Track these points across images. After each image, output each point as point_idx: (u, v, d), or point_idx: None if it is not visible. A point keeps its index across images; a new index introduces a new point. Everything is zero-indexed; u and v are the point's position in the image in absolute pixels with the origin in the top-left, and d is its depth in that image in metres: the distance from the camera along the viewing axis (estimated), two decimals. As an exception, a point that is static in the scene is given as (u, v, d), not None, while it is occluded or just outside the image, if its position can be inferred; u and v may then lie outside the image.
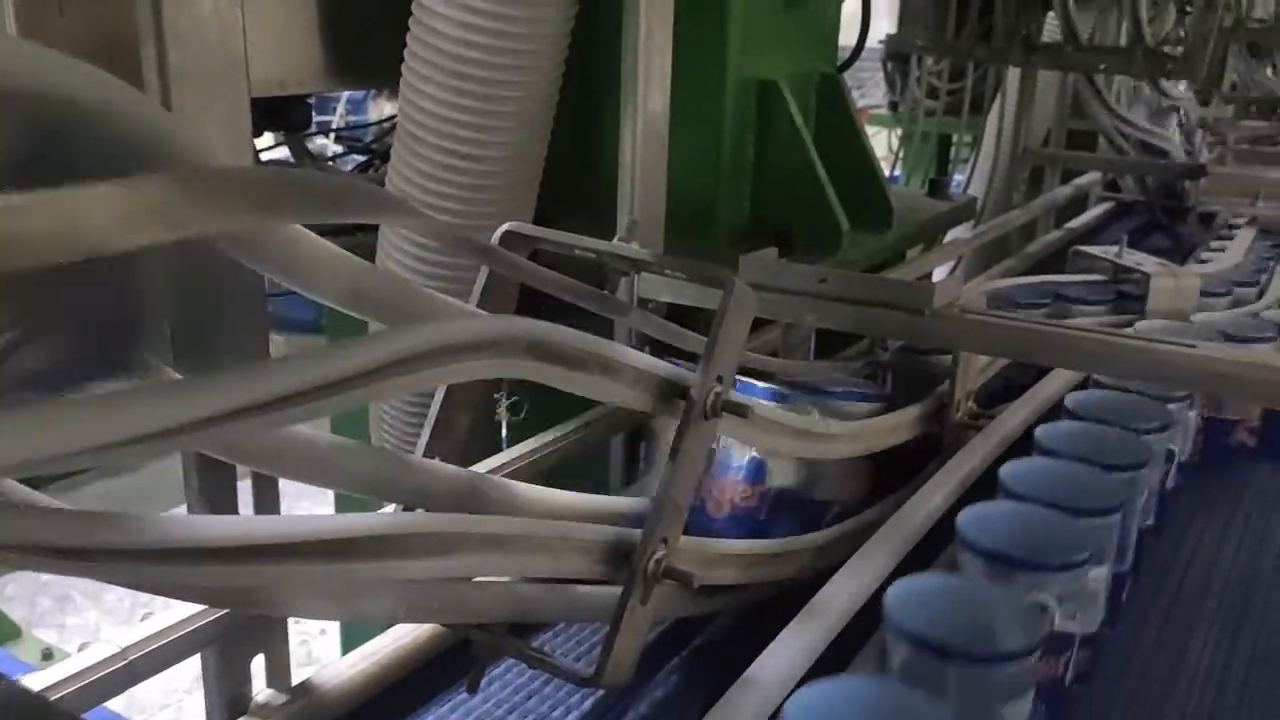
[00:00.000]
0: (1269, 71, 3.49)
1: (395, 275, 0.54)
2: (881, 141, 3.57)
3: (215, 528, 0.42)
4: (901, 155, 3.26)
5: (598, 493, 0.80)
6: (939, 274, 2.54)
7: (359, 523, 0.44)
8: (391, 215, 0.44)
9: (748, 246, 0.99)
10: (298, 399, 0.40)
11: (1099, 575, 0.67)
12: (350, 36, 1.19)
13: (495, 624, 0.61)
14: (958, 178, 2.92)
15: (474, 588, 0.57)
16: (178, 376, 0.50)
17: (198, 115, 0.60)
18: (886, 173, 3.33)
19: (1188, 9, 1.77)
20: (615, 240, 0.69)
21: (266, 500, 0.67)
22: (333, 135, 3.41)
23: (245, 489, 0.66)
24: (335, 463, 0.54)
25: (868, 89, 4.50)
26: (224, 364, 0.59)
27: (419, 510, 0.64)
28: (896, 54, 2.94)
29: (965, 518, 0.62)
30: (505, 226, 0.65)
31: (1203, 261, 1.55)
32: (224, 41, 0.61)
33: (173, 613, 0.62)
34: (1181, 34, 1.96)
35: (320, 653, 2.36)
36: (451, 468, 0.63)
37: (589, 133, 1.25)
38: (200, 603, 0.59)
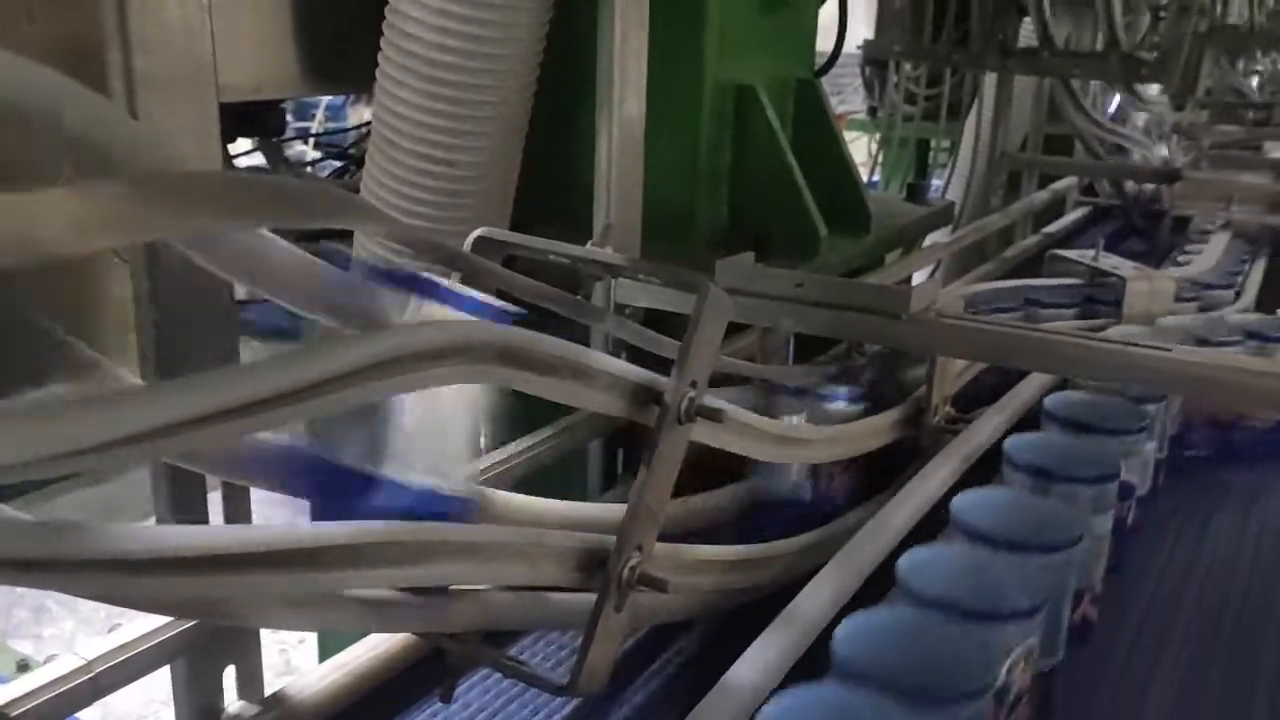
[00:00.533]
0: (1242, 76, 3.53)
1: (364, 280, 0.53)
2: (862, 146, 3.58)
3: (179, 538, 0.41)
4: (880, 160, 3.27)
5: (576, 498, 0.80)
6: (918, 278, 2.56)
7: (327, 532, 0.43)
8: (357, 219, 0.43)
9: (726, 251, 0.98)
10: (262, 406, 0.40)
11: (1150, 448, 0.91)
12: (326, 41, 1.18)
13: (469, 632, 0.60)
14: (936, 182, 2.93)
15: (447, 596, 0.56)
16: (140, 383, 0.49)
17: (164, 121, 0.59)
18: (866, 178, 3.35)
19: (1161, 14, 1.78)
20: (589, 245, 0.69)
21: (238, 509, 0.67)
22: (311, 140, 3.40)
23: (217, 499, 0.65)
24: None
25: (847, 94, 4.52)
26: (192, 370, 0.59)
27: (392, 518, 0.63)
28: (874, 59, 2.95)
29: (1051, 401, 0.86)
30: (478, 232, 0.65)
31: (1178, 265, 1.56)
32: (191, 47, 0.61)
33: (141, 623, 0.61)
34: (1156, 39, 1.97)
35: (299, 661, 2.34)
36: (424, 475, 0.62)
37: (566, 137, 1.24)
38: (167, 614, 0.59)
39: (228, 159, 1.27)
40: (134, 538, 0.40)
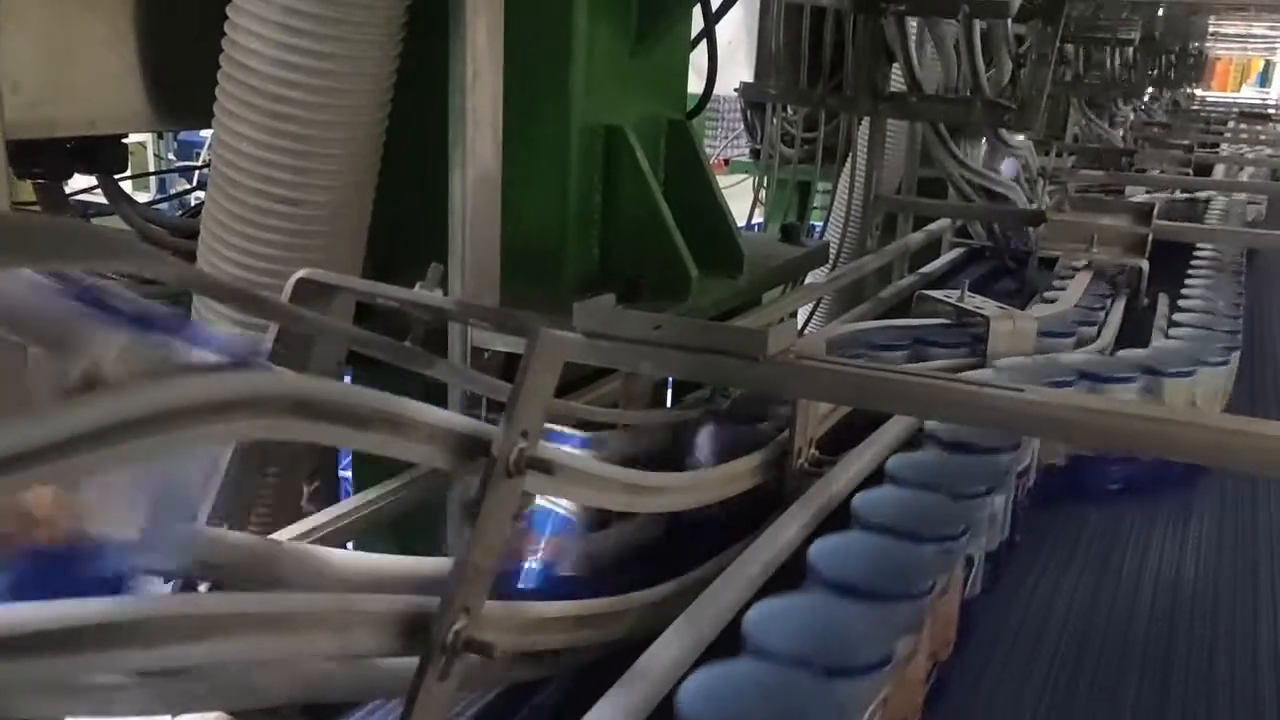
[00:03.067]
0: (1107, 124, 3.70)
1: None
2: (748, 188, 3.61)
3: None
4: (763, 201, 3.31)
5: (437, 548, 0.76)
6: (803, 317, 2.57)
7: (81, 610, 0.39)
8: (127, 261, 0.39)
9: (598, 294, 0.96)
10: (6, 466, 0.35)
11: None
12: (170, 75, 1.12)
13: (286, 707, 0.56)
14: (819, 224, 2.98)
15: (252, 668, 0.52)
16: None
17: (-60, 153, 0.54)
18: (749, 219, 3.38)
19: (1022, 63, 1.84)
20: (417, 288, 0.66)
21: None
22: (196, 176, 3.29)
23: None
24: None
25: (734, 138, 4.58)
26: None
27: (202, 585, 0.59)
28: (754, 102, 2.99)
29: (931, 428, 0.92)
30: (300, 273, 0.61)
31: (1046, 302, 1.59)
32: (-27, 73, 0.56)
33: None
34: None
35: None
36: (239, 535, 0.58)
37: (429, 178, 1.21)
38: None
39: (64, 197, 1.20)
40: None
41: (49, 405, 0.36)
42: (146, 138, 5.10)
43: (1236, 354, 1.38)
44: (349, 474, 1.41)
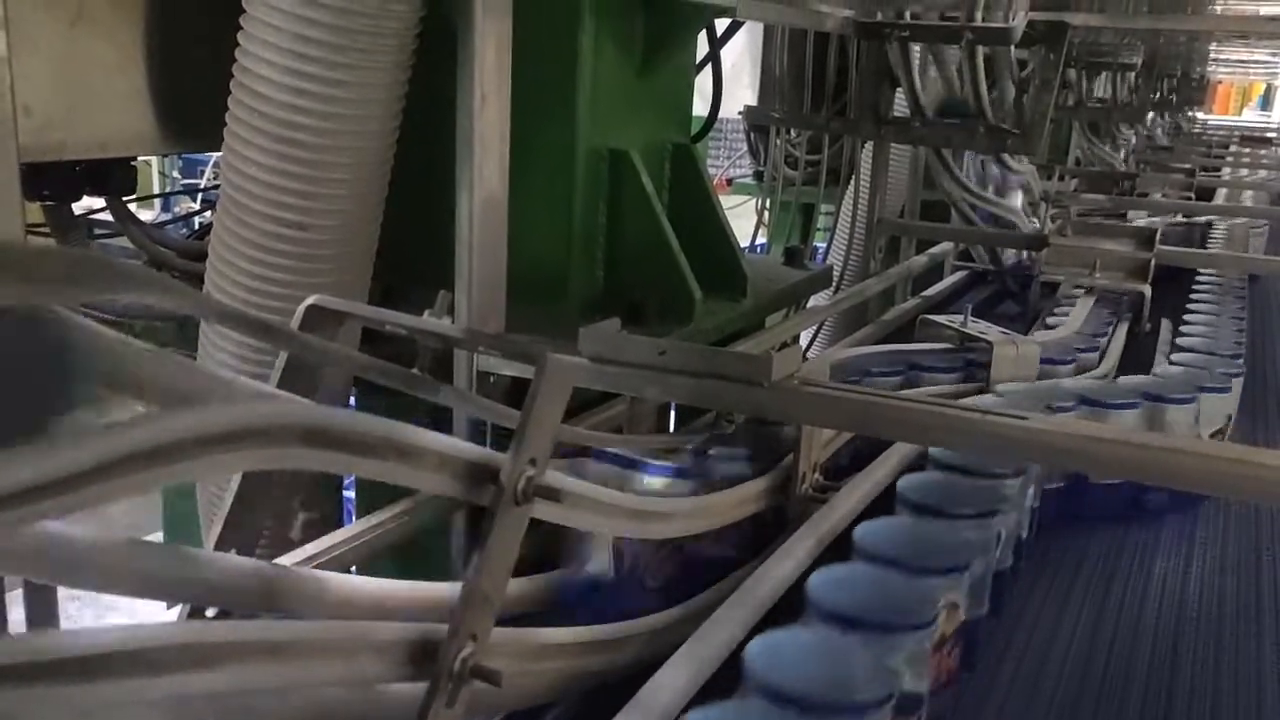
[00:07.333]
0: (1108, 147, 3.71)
1: (168, 354, 0.49)
2: (751, 209, 3.62)
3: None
4: (766, 223, 3.32)
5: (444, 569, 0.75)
6: (806, 340, 2.57)
7: (90, 639, 0.39)
8: (141, 290, 0.40)
9: (602, 316, 0.96)
10: (31, 496, 0.36)
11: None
12: (181, 98, 1.13)
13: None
14: (822, 246, 2.98)
15: (261, 695, 0.52)
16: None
17: (-45, 180, 0.55)
18: (753, 240, 3.38)
19: (1025, 88, 1.85)
20: (426, 315, 0.66)
21: (43, 608, 0.61)
22: (199, 197, 3.30)
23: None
24: (101, 562, 0.49)
25: (737, 160, 4.59)
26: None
27: (209, 611, 0.59)
28: (757, 125, 3.01)
29: (935, 453, 0.93)
30: (309, 300, 0.61)
31: (1047, 329, 1.60)
32: (-11, 101, 0.57)
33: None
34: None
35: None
36: (246, 561, 0.58)
37: (438, 201, 1.22)
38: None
39: (72, 219, 1.21)
40: None
41: (58, 439, 0.37)
42: (151, 157, 5.12)
43: (1239, 380, 1.38)
44: (352, 495, 1.41)
